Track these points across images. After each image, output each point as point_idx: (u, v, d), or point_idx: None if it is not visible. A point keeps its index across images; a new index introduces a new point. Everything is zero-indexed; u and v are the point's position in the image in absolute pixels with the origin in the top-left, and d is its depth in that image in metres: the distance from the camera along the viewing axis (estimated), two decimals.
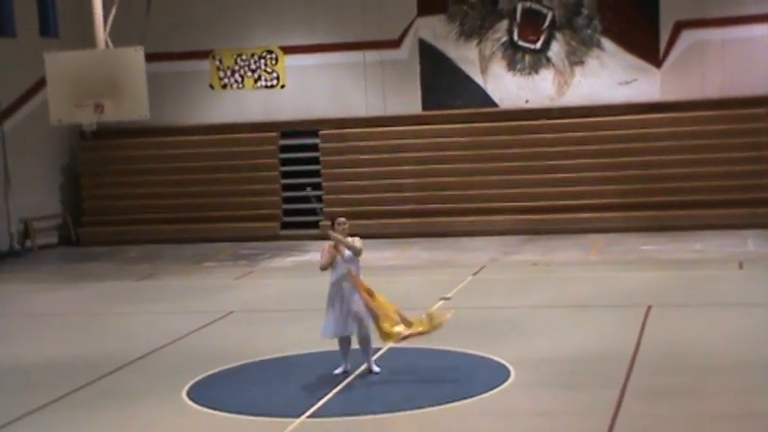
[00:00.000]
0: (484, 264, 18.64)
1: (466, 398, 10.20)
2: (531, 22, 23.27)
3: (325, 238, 11.20)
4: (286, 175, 24.24)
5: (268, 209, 24.04)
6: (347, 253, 10.96)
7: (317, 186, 23.81)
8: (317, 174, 23.92)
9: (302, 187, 23.88)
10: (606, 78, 22.99)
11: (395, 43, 23.85)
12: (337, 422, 9.75)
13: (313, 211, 23.49)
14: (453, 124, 23.39)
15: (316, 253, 19.90)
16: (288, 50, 24.39)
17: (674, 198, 21.93)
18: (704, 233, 20.70)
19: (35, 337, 14.43)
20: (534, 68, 23.32)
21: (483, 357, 11.78)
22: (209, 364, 11.96)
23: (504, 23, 23.40)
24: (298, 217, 23.77)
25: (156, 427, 10.02)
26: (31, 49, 21.72)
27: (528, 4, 23.26)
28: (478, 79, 23.58)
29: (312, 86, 24.27)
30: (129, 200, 24.55)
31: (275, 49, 24.47)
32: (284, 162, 24.29)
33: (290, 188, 24.13)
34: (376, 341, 11.20)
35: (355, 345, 11.22)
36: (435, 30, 23.67)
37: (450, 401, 10.10)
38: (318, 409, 10.04)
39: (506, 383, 10.70)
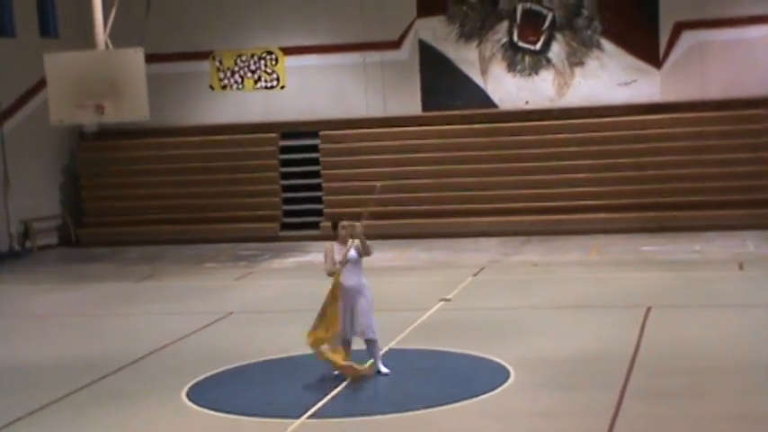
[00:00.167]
0: (484, 265, 18.65)
1: (466, 398, 10.20)
2: (531, 23, 23.28)
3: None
4: (286, 176, 24.24)
5: (268, 210, 24.04)
6: (352, 254, 10.92)
7: (316, 187, 23.86)
8: (316, 174, 23.94)
9: (302, 188, 24.03)
10: (606, 79, 23.00)
11: (395, 44, 23.86)
12: (337, 423, 9.75)
13: (313, 212, 23.72)
14: (453, 125, 23.40)
15: (316, 254, 20.04)
16: (288, 51, 24.40)
17: (674, 199, 21.92)
18: (704, 234, 20.71)
19: (35, 337, 14.43)
20: (534, 69, 23.33)
21: (483, 358, 11.78)
22: (210, 364, 11.96)
23: (504, 24, 23.41)
24: (297, 218, 23.82)
25: (155, 428, 10.03)
26: (31, 50, 21.72)
27: (528, 5, 23.27)
28: (478, 80, 23.59)
29: (312, 87, 24.28)
30: (129, 201, 24.55)
31: (275, 49, 24.48)
32: (284, 163, 24.29)
33: (289, 189, 24.15)
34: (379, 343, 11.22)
35: (356, 346, 11.21)
36: (435, 31, 23.68)
37: (450, 402, 10.11)
38: (318, 409, 10.04)
39: (506, 384, 10.71)
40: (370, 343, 11.10)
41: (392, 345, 12.23)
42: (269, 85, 24.58)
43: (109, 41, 17.28)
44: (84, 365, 12.33)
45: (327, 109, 24.10)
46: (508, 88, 23.48)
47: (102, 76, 16.98)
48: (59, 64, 17.45)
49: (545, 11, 23.22)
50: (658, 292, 15.34)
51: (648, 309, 13.92)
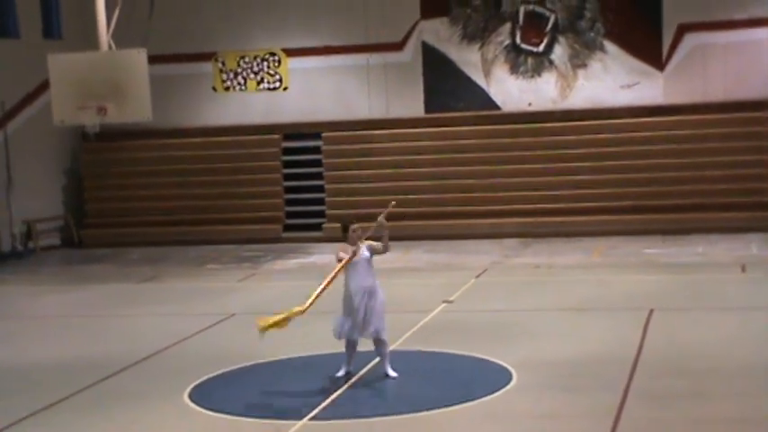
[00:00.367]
0: (486, 266, 18.65)
1: (468, 401, 10.19)
2: (534, 25, 23.29)
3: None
4: (288, 177, 24.26)
5: (270, 211, 24.05)
6: (364, 253, 10.94)
7: (319, 189, 23.86)
8: (319, 176, 23.95)
9: (304, 189, 24.04)
10: (609, 81, 23.00)
11: (398, 46, 23.87)
12: (340, 425, 9.74)
13: (316, 214, 23.72)
14: (456, 127, 23.40)
15: (319, 255, 20.12)
16: (290, 53, 24.40)
17: (677, 201, 21.92)
18: (707, 236, 20.71)
19: (37, 338, 14.43)
20: (537, 71, 23.33)
21: (485, 360, 11.77)
22: (212, 366, 11.96)
23: (507, 26, 23.41)
24: (300, 219, 23.82)
25: (158, 430, 10.02)
26: (35, 51, 21.70)
27: (531, 7, 23.27)
28: (481, 82, 23.60)
29: (315, 89, 24.29)
30: (131, 202, 24.57)
31: (278, 51, 24.48)
32: (287, 164, 24.30)
33: (292, 190, 24.16)
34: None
35: (359, 348, 11.20)
36: (438, 33, 23.68)
37: (452, 404, 10.09)
38: (321, 411, 10.04)
39: (508, 386, 10.70)
40: (381, 344, 11.09)
41: (394, 347, 12.21)
42: (272, 86, 24.59)
43: (112, 42, 17.32)
44: (86, 366, 12.33)
45: (330, 110, 24.10)
46: (511, 90, 23.48)
47: (105, 77, 17.03)
48: (63, 65, 17.50)
49: (548, 13, 23.22)
50: (661, 294, 15.33)
51: (651, 311, 13.91)
